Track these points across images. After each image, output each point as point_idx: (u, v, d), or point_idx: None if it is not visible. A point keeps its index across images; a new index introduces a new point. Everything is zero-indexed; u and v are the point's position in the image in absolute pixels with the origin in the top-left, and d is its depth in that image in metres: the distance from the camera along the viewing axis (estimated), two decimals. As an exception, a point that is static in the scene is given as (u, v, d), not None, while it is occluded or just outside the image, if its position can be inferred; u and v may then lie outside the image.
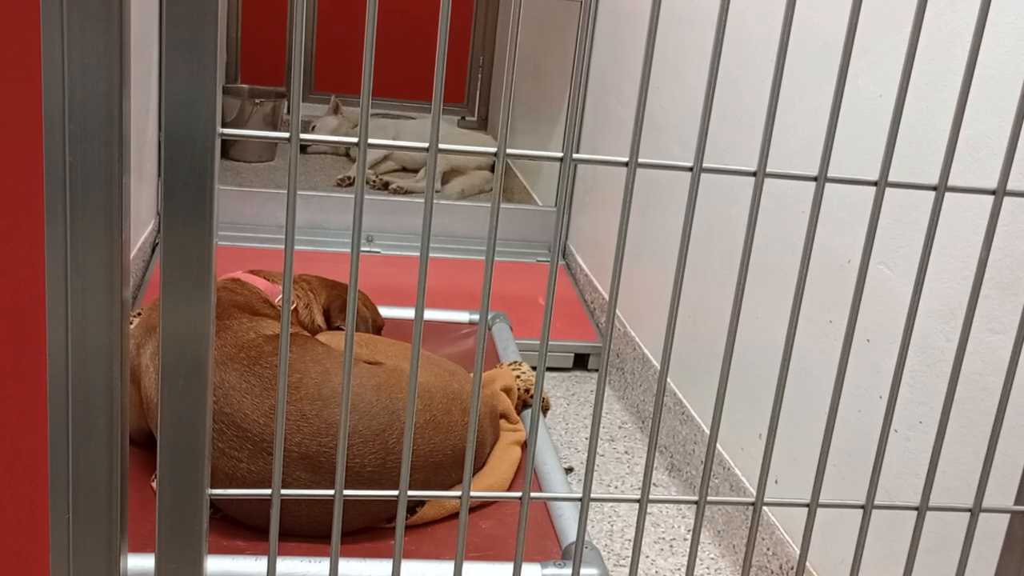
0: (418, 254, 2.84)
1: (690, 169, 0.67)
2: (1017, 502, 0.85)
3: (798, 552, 1.60)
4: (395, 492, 0.69)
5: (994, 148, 1.21)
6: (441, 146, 0.63)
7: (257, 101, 3.88)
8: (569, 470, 2.03)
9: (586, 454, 2.13)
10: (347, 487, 1.43)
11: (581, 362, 2.57)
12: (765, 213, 1.72)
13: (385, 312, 2.09)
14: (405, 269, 2.79)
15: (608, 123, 2.73)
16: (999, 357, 1.19)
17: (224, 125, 0.64)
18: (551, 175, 3.30)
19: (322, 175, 3.82)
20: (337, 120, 4.07)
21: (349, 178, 3.71)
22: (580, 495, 0.72)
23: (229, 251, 2.72)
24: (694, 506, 0.73)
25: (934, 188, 0.71)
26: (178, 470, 0.64)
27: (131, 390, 1.56)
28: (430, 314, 2.33)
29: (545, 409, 2.00)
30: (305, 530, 1.42)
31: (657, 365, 2.25)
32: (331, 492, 0.68)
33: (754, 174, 0.68)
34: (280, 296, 1.75)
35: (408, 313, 2.27)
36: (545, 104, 3.50)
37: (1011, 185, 1.13)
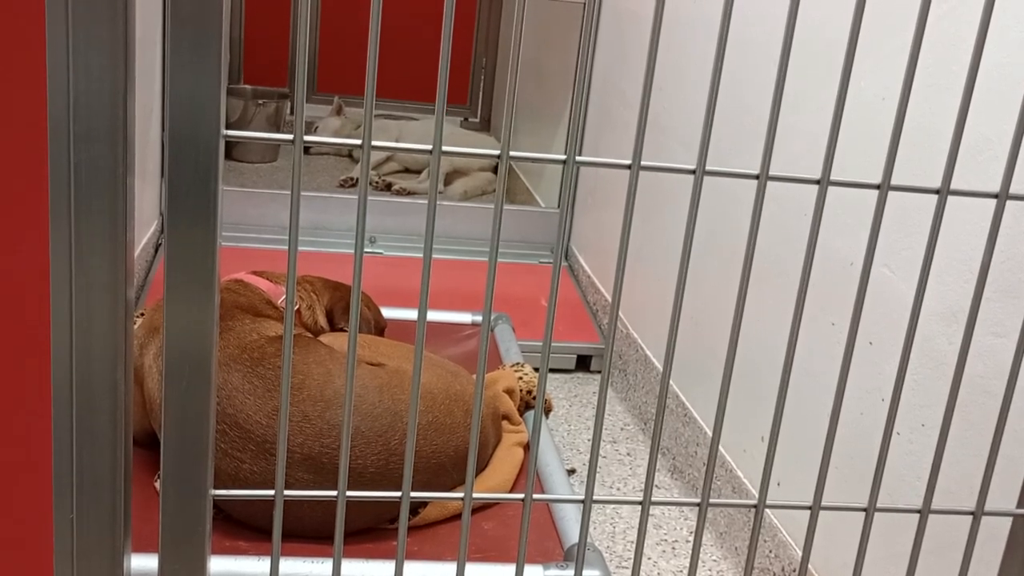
0: (421, 255, 2.83)
1: (693, 172, 0.67)
2: (1019, 505, 0.85)
3: (800, 554, 1.60)
4: (398, 493, 0.69)
5: (997, 151, 1.21)
6: (444, 148, 0.63)
7: (260, 102, 3.88)
8: (571, 472, 2.03)
9: (588, 456, 2.13)
10: (349, 488, 1.43)
11: (583, 364, 2.57)
12: (768, 215, 1.72)
13: (388, 313, 2.09)
14: (408, 270, 2.79)
15: (611, 125, 2.73)
16: (1001, 360, 1.19)
17: (227, 126, 0.64)
18: (554, 176, 3.30)
19: (325, 176, 3.82)
20: (340, 121, 4.07)
21: (352, 179, 3.71)
22: (582, 497, 0.72)
23: (232, 252, 2.72)
24: (696, 508, 0.73)
25: (937, 191, 0.71)
26: (181, 471, 0.65)
27: (134, 391, 1.56)
28: (433, 315, 2.33)
29: (547, 411, 2.00)
30: (308, 531, 1.42)
31: (659, 367, 2.24)
32: (334, 493, 0.68)
33: (757, 177, 0.68)
34: (283, 297, 1.75)
35: (411, 314, 2.26)
36: (548, 106, 3.50)
37: (1014, 189, 1.13)
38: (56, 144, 0.59)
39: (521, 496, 0.71)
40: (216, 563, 1.31)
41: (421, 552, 1.45)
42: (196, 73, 0.58)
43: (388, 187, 3.63)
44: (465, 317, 2.36)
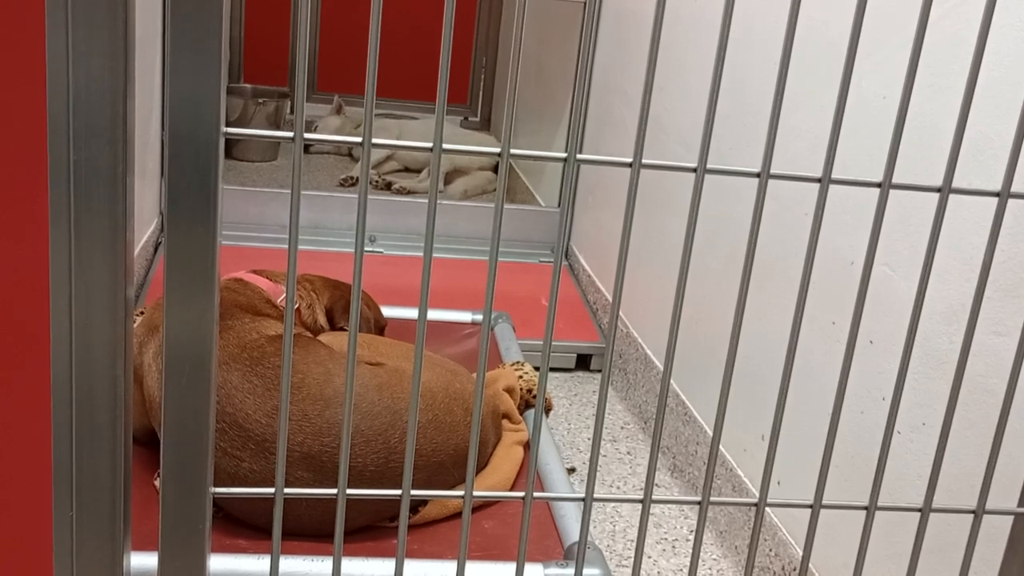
0: (421, 254, 2.83)
1: (694, 170, 0.67)
2: (1020, 504, 0.85)
3: (801, 553, 1.60)
4: (398, 492, 0.69)
5: (998, 150, 1.21)
6: (445, 146, 0.63)
7: (260, 101, 3.88)
8: (571, 470, 2.03)
9: (588, 454, 2.13)
10: (349, 487, 1.43)
11: (583, 363, 2.57)
12: (768, 214, 1.72)
13: (388, 312, 2.09)
14: (408, 269, 2.79)
15: (611, 124, 2.73)
16: (1002, 359, 1.19)
17: (227, 125, 0.64)
18: (554, 176, 3.30)
19: (325, 175, 3.82)
20: (340, 120, 4.07)
21: (352, 178, 3.71)
22: (583, 495, 0.72)
23: (232, 251, 2.72)
24: (696, 507, 0.73)
25: (938, 190, 0.71)
26: (181, 469, 0.64)
27: (134, 389, 1.56)
28: (433, 314, 2.33)
29: (548, 409, 2.00)
30: (307, 529, 1.42)
31: (660, 366, 2.24)
32: (334, 491, 0.68)
33: (758, 175, 0.68)
34: (283, 296, 1.75)
35: (411, 313, 2.27)
36: (548, 105, 3.50)
37: (1015, 187, 1.13)
38: (56, 143, 0.59)
39: (521, 494, 0.71)
40: (216, 561, 1.31)
41: (421, 551, 1.45)
42: (196, 72, 0.58)
43: (388, 186, 3.63)
44: (465, 316, 2.36)
